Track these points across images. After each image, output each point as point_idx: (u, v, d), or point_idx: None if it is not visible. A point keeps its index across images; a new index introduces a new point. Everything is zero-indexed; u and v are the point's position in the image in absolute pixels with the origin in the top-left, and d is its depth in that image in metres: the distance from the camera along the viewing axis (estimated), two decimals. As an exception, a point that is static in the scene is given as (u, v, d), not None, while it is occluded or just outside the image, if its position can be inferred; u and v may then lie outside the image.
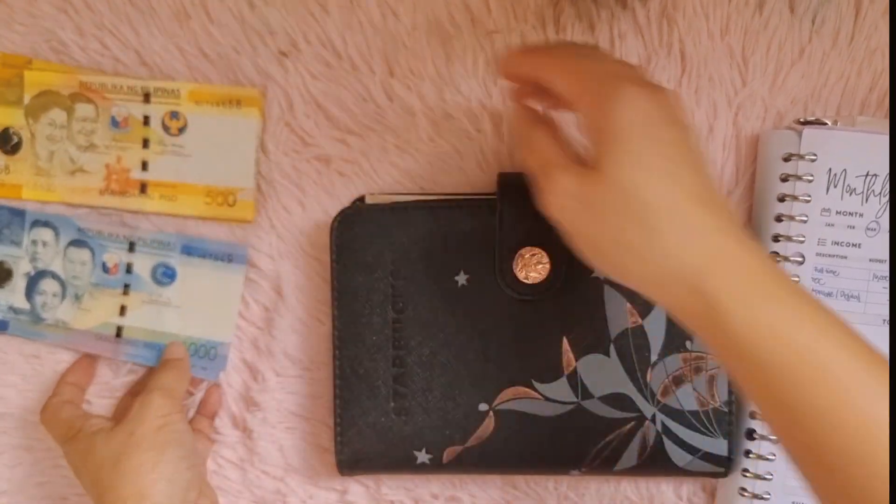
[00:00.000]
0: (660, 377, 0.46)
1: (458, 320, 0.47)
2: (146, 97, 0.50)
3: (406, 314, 0.47)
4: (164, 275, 0.51)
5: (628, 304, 0.46)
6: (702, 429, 0.46)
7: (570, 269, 0.46)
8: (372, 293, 0.47)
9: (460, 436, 0.47)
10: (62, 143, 0.51)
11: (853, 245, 0.46)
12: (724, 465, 0.47)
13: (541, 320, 0.46)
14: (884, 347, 0.46)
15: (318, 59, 0.50)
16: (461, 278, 0.47)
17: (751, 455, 0.47)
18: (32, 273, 0.51)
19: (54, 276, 0.51)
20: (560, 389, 0.46)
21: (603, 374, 0.46)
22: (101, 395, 0.52)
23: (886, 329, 0.46)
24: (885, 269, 0.46)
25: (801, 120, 0.47)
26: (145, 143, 0.50)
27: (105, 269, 0.51)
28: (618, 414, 0.46)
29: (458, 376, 0.47)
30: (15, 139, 0.51)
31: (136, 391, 0.50)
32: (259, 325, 0.51)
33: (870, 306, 0.46)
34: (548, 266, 0.46)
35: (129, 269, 0.51)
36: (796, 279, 0.46)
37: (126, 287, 0.51)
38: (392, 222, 0.47)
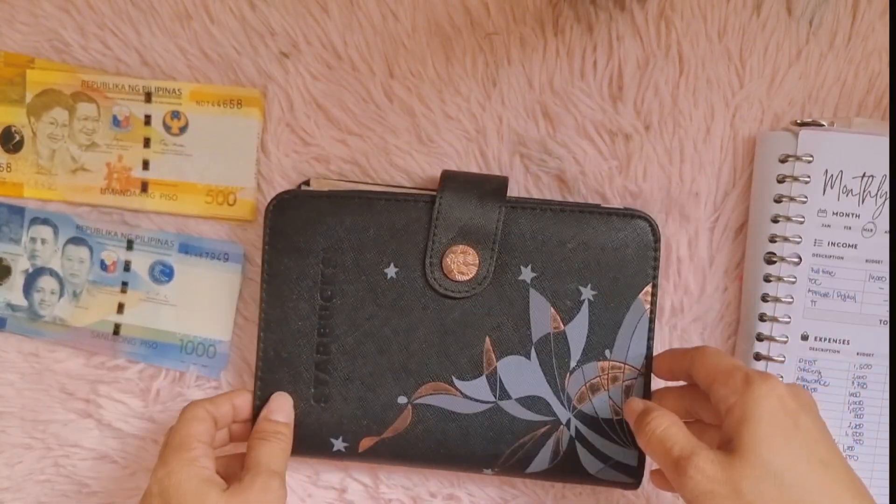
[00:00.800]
0: (577, 383, 0.46)
1: (385, 312, 0.47)
2: (147, 97, 0.50)
3: (333, 302, 0.47)
4: (162, 273, 0.51)
5: (552, 310, 0.46)
6: (614, 437, 0.46)
7: (497, 270, 0.46)
8: (301, 279, 0.47)
9: (377, 427, 0.47)
10: (63, 141, 0.51)
11: (850, 246, 0.46)
12: (633, 475, 0.47)
13: (465, 318, 0.47)
14: (882, 348, 0.46)
15: (319, 60, 0.50)
16: (391, 271, 0.47)
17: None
18: (31, 270, 0.52)
19: (52, 273, 0.51)
20: (479, 388, 0.47)
21: (522, 376, 0.47)
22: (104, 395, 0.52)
23: (882, 329, 0.46)
24: (881, 269, 0.46)
25: (798, 121, 0.47)
26: (146, 143, 0.51)
27: (103, 266, 0.51)
28: (533, 416, 0.47)
29: (380, 367, 0.47)
30: (17, 137, 0.51)
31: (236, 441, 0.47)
32: (256, 322, 0.51)
33: (866, 306, 0.46)
34: (476, 266, 0.46)
35: (126, 267, 0.51)
36: (793, 280, 0.46)
37: (124, 285, 0.51)
38: (328, 210, 0.47)
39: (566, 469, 0.47)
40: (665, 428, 0.40)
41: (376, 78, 0.50)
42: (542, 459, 0.47)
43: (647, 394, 0.46)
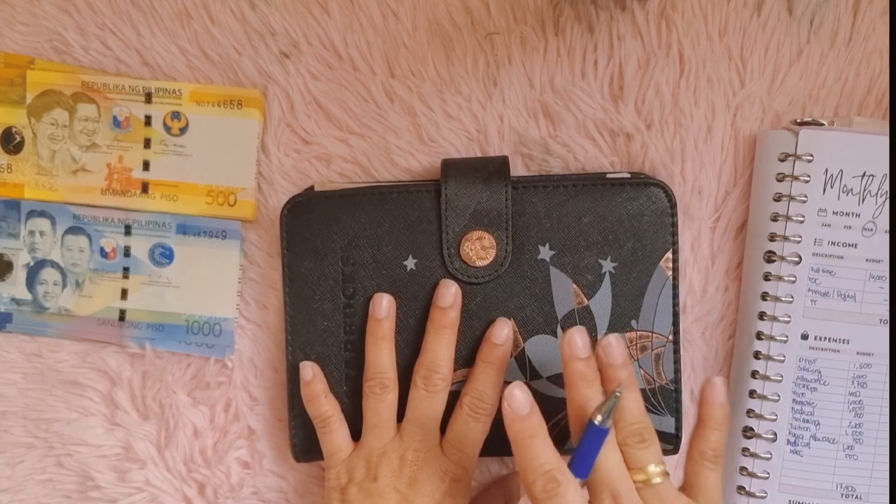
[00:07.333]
0: None
1: (408, 304, 0.47)
2: (148, 97, 0.50)
3: (356, 299, 0.47)
4: (162, 255, 0.51)
5: (574, 286, 0.47)
6: (649, 407, 0.47)
7: (516, 251, 0.47)
8: (322, 279, 0.48)
9: None
10: (64, 142, 0.51)
11: (850, 245, 0.46)
12: (672, 442, 0.47)
13: (489, 302, 0.47)
14: (882, 348, 0.46)
15: (320, 60, 0.50)
16: (410, 263, 0.47)
17: (747, 453, 0.47)
18: (32, 263, 0.52)
19: (53, 264, 0.52)
20: (509, 370, 0.47)
21: (550, 354, 0.47)
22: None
23: (882, 329, 0.46)
24: (881, 269, 0.46)
25: (798, 120, 0.47)
26: (147, 143, 0.51)
27: (103, 254, 0.51)
28: (566, 394, 0.47)
29: (409, 359, 0.47)
30: (17, 138, 0.51)
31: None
32: (258, 323, 0.51)
33: (866, 306, 0.46)
34: (494, 249, 0.47)
35: (126, 253, 0.51)
36: (793, 279, 0.46)
37: (125, 270, 0.51)
38: (341, 209, 0.47)
39: None
40: None
41: (377, 78, 0.50)
42: None
43: (676, 360, 0.46)
